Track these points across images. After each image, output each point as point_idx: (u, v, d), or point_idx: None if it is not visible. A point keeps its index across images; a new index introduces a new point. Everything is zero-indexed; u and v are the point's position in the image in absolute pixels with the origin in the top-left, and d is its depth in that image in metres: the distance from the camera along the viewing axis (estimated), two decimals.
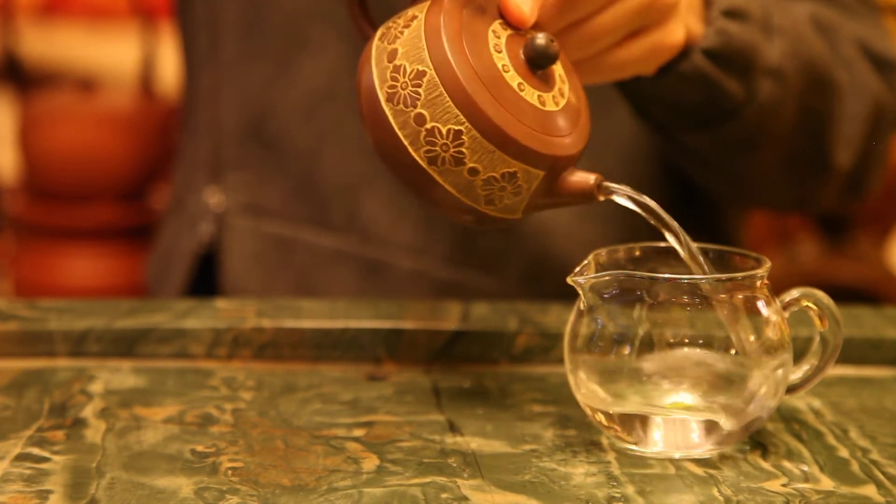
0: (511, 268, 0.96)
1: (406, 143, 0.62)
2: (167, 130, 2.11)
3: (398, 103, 0.62)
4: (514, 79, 0.63)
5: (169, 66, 2.34)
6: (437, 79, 0.62)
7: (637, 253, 0.68)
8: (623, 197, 0.65)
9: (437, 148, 0.62)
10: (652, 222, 0.65)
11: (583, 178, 0.64)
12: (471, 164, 0.62)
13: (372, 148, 0.65)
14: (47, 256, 2.10)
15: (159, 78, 2.28)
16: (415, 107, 0.62)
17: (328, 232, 0.97)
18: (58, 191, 2.09)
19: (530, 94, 0.63)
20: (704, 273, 0.65)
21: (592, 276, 0.64)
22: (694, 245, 0.65)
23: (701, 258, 0.65)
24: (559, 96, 0.64)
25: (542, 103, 0.63)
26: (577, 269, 0.64)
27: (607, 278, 0.64)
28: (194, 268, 1.03)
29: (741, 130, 0.83)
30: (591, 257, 0.65)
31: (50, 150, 2.09)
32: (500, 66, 0.63)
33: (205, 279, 1.03)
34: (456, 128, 0.62)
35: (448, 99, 0.62)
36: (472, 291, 0.96)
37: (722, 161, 0.88)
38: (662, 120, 0.84)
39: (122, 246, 2.11)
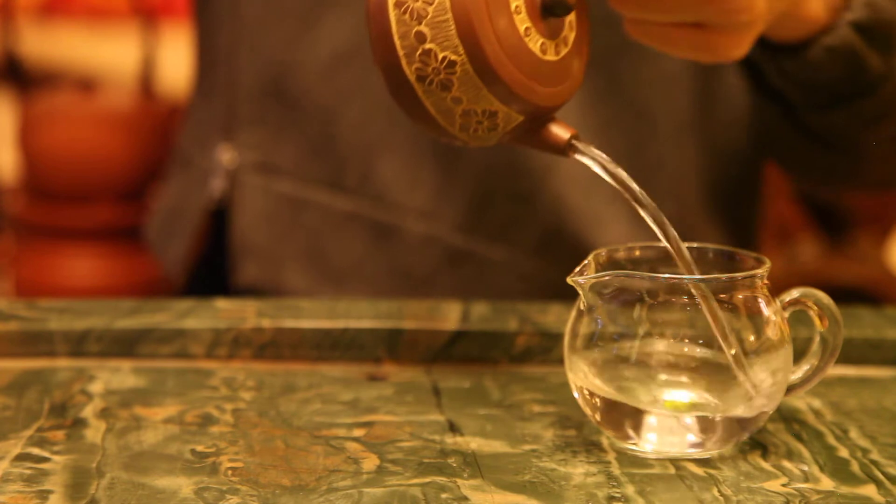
0: (523, 239, 0.96)
1: (401, 53, 0.62)
2: (167, 130, 2.11)
3: (405, 13, 0.62)
4: (523, 22, 0.62)
5: (169, 66, 2.34)
6: (447, 4, 0.61)
7: (637, 253, 0.68)
8: (593, 162, 0.64)
9: (428, 69, 0.62)
10: (625, 195, 0.64)
11: (559, 131, 0.65)
12: (456, 94, 0.62)
13: (368, 39, 0.64)
14: (47, 256, 2.10)
15: (159, 78, 2.28)
16: (419, 23, 0.62)
17: (341, 193, 0.97)
18: (58, 191, 2.09)
19: (534, 42, 0.63)
20: (679, 252, 0.64)
21: (592, 276, 0.64)
22: (667, 222, 0.64)
23: (674, 234, 0.64)
24: (562, 45, 0.64)
25: (544, 51, 0.63)
26: (577, 268, 0.64)
27: (607, 278, 0.64)
28: (204, 224, 1.02)
29: (873, 107, 0.83)
30: (591, 257, 0.65)
31: (50, 150, 2.09)
32: (512, 7, 0.62)
33: (214, 238, 1.03)
34: (452, 57, 0.61)
35: (453, 27, 0.61)
36: (483, 260, 0.96)
37: (843, 139, 0.87)
38: (795, 99, 0.83)
39: (122, 246, 2.11)
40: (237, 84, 1.00)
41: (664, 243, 0.65)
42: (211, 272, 1.06)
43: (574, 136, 0.65)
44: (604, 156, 0.64)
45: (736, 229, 1.01)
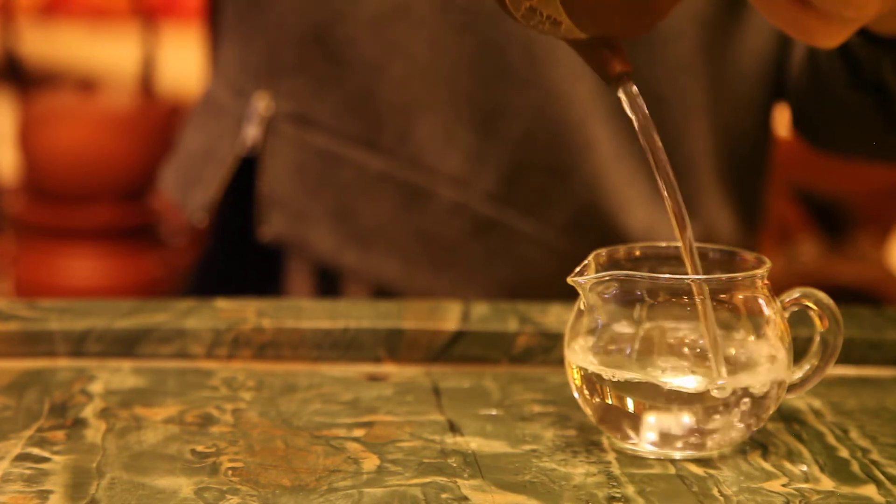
0: (554, 214, 0.96)
1: None
2: (167, 130, 2.11)
3: None
4: None
5: (169, 66, 2.34)
6: None
7: (637, 253, 0.68)
8: (633, 108, 0.63)
9: None
10: (649, 157, 0.63)
11: (616, 60, 0.63)
12: None
13: None
14: (47, 256, 2.10)
15: (159, 78, 2.28)
16: None
17: (376, 152, 0.96)
18: (58, 191, 2.09)
19: None
20: (686, 232, 0.64)
21: (592, 276, 0.64)
22: (681, 199, 0.63)
23: (685, 213, 0.63)
24: None
25: None
26: (577, 269, 0.64)
27: (607, 278, 0.64)
28: (233, 171, 1.02)
29: None
30: (591, 257, 0.65)
31: (50, 150, 2.09)
32: None
33: (241, 187, 1.02)
34: None
35: None
36: (511, 232, 0.96)
37: None
38: None
39: (122, 246, 2.11)
40: (281, 28, 0.98)
41: (671, 216, 0.63)
42: (235, 221, 1.05)
43: (627, 72, 0.63)
44: (645, 108, 0.63)
45: (746, 208, 1.02)
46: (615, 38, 0.63)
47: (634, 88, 0.63)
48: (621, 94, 0.63)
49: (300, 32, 0.98)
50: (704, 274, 0.65)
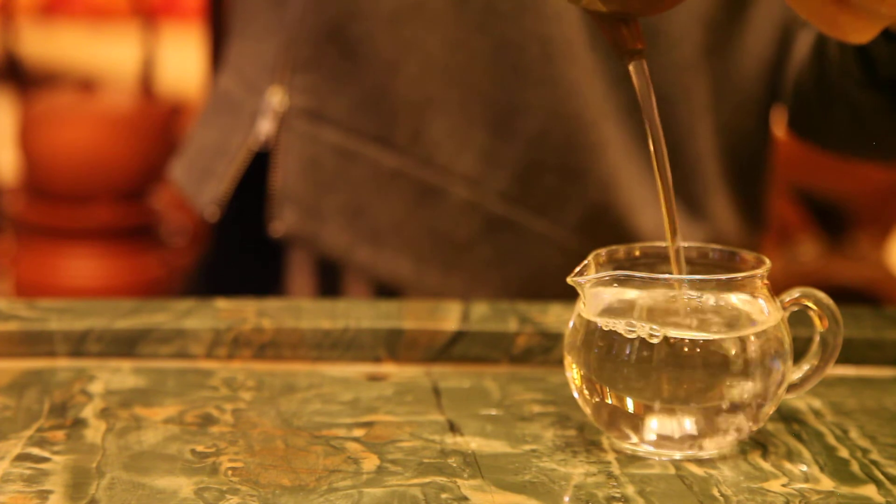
0: (567, 213, 0.96)
1: None
2: (167, 130, 2.11)
3: None
4: None
5: (169, 66, 2.34)
6: None
7: (637, 253, 0.68)
8: (636, 85, 0.64)
9: None
10: (648, 132, 0.64)
11: (631, 37, 0.64)
12: None
13: None
14: (47, 256, 2.10)
15: (159, 78, 2.28)
16: None
17: (389, 150, 0.96)
18: (58, 191, 2.09)
19: None
20: (672, 213, 0.65)
21: (592, 276, 0.64)
22: (669, 174, 0.65)
23: (672, 196, 0.65)
24: None
25: None
26: (577, 268, 0.64)
27: (607, 278, 0.64)
28: (245, 166, 1.02)
29: None
30: (591, 257, 0.65)
31: (50, 151, 2.09)
32: None
33: (252, 182, 1.02)
34: None
35: None
36: (523, 231, 0.96)
37: None
38: None
39: (122, 246, 2.11)
40: (297, 26, 0.99)
41: (664, 205, 0.65)
42: (238, 216, 1.05)
43: (641, 50, 0.64)
44: (650, 84, 0.64)
45: (751, 209, 1.02)
46: (633, 15, 0.63)
47: (645, 65, 0.64)
48: (632, 69, 0.64)
49: (316, 28, 0.98)
50: (704, 274, 0.65)
